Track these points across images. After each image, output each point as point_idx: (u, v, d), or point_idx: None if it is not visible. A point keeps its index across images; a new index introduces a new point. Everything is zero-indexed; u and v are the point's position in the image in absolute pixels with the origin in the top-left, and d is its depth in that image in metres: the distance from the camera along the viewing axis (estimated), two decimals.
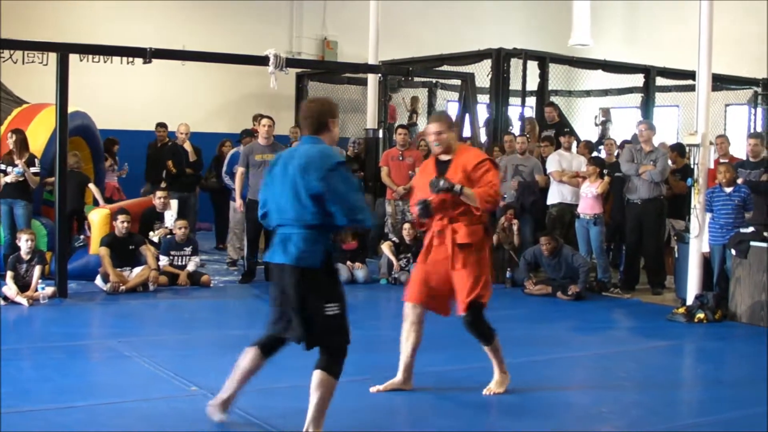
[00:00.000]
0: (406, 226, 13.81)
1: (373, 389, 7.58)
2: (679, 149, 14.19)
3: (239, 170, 13.18)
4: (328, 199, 5.95)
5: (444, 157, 7.48)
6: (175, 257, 12.80)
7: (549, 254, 12.88)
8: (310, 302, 6.14)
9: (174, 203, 13.98)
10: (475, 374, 7.98)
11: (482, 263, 7.47)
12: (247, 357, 6.62)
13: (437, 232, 7.45)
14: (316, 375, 6.19)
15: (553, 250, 12.86)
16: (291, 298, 6.16)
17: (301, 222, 6.04)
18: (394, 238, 13.94)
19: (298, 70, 18.95)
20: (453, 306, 7.57)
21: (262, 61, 13.71)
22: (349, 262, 13.46)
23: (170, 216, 13.55)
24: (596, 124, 18.22)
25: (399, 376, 7.68)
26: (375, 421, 6.96)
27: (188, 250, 12.88)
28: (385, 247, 13.68)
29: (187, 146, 15.41)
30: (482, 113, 16.56)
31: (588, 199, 13.28)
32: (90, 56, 16.58)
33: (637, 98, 18.60)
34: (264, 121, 13.26)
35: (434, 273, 7.51)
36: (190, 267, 12.78)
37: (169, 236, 13.08)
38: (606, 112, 18.33)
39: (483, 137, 16.14)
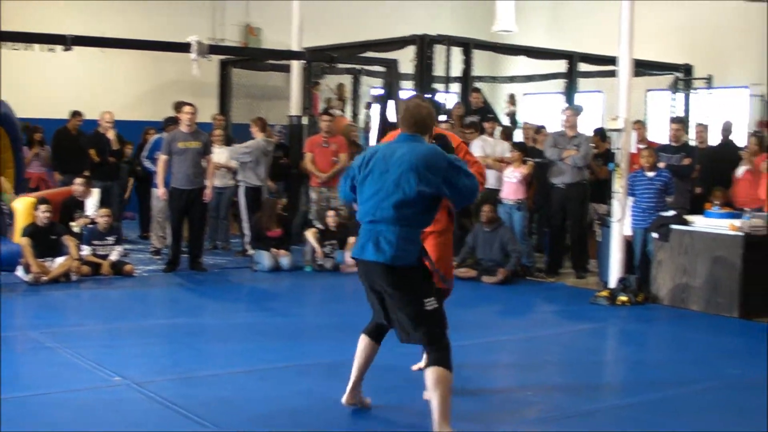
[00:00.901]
0: (331, 213, 13.77)
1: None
2: (600, 134, 14.31)
3: (162, 158, 13.03)
4: (450, 194, 6.01)
5: None
6: (98, 247, 12.62)
7: (487, 223, 12.94)
8: (409, 299, 6.06)
9: (96, 192, 13.81)
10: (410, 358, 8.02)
11: (447, 246, 7.50)
12: (361, 346, 6.65)
13: None
14: (433, 372, 6.01)
15: (492, 221, 12.93)
16: (390, 297, 6.12)
17: (400, 221, 6.01)
18: (319, 225, 13.91)
19: (222, 57, 18.75)
20: None
21: (185, 47, 13.59)
22: (273, 249, 13.39)
23: (92, 205, 13.38)
24: (506, 114, 18.38)
25: None
26: (302, 408, 6.93)
27: (111, 239, 12.70)
28: (310, 234, 13.63)
29: (111, 135, 15.22)
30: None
31: (511, 184, 13.36)
32: (9, 43, 16.29)
33: (560, 84, 18.72)
34: (186, 108, 13.12)
35: None
36: (113, 256, 12.61)
37: (91, 225, 12.90)
38: (512, 100, 18.54)
39: None
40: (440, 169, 5.95)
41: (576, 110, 13.72)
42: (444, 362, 6.01)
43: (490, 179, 13.76)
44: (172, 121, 15.00)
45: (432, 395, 6.01)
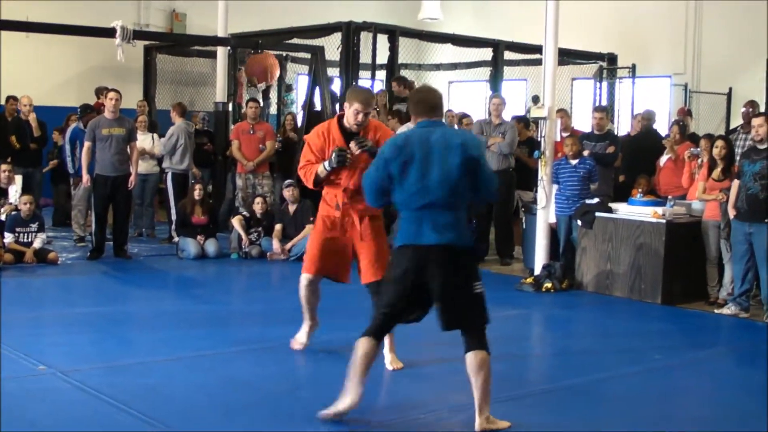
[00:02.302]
0: (258, 200, 13.73)
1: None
2: (524, 121, 14.41)
3: (86, 145, 12.88)
4: (481, 177, 6.08)
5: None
6: (21, 234, 12.45)
7: None
8: (465, 282, 6.13)
9: (18, 179, 13.62)
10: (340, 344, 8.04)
11: (383, 233, 7.74)
12: (365, 350, 6.25)
13: (339, 204, 7.45)
14: (477, 356, 6.11)
15: None
16: (445, 281, 6.08)
17: (454, 204, 6.06)
18: (245, 213, 13.85)
19: (146, 42, 18.59)
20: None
21: (109, 33, 13.45)
22: (199, 237, 13.32)
23: (14, 192, 13.20)
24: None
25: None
26: (228, 395, 6.91)
27: (34, 226, 12.54)
28: (236, 222, 13.57)
29: (32, 120, 15.03)
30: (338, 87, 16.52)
31: None
32: None
33: (486, 72, 18.80)
34: (110, 94, 12.97)
35: (335, 244, 7.60)
36: (37, 244, 12.45)
37: (14, 212, 12.72)
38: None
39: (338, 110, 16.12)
40: (477, 147, 6.22)
41: (502, 99, 13.79)
42: (486, 346, 6.16)
43: None
44: (90, 109, 14.87)
45: (476, 378, 6.12)
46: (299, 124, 16.15)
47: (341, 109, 7.56)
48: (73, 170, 14.11)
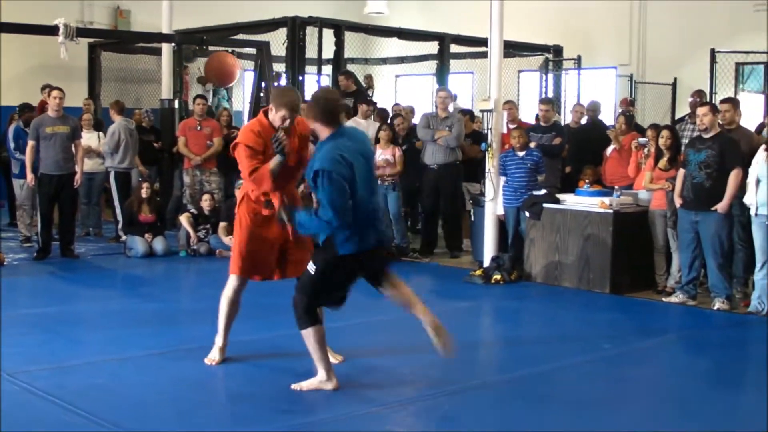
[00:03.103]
0: (206, 196, 13.66)
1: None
2: (469, 114, 14.43)
3: (30, 144, 12.75)
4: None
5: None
6: None
7: None
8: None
9: None
10: (285, 341, 8.01)
11: None
12: (321, 333, 6.82)
13: (268, 202, 7.31)
14: None
15: None
16: (377, 271, 6.97)
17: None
18: (193, 210, 13.77)
19: (90, 39, 18.43)
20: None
21: (52, 30, 13.31)
22: (147, 235, 13.23)
23: None
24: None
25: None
26: (178, 394, 6.87)
27: None
28: (184, 219, 13.49)
29: None
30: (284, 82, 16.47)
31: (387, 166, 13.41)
32: None
33: (432, 65, 18.83)
34: (54, 93, 12.85)
35: (266, 243, 7.44)
36: None
37: None
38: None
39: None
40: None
41: (448, 93, 13.83)
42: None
43: None
44: (28, 108, 14.70)
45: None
46: (245, 119, 16.06)
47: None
48: (17, 170, 13.97)
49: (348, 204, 6.39)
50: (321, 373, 6.87)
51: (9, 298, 10.56)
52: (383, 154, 13.40)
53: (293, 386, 6.89)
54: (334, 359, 7.39)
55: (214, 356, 7.59)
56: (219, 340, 7.61)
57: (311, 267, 6.71)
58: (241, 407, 6.65)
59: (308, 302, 6.71)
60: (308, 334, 6.76)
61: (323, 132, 6.56)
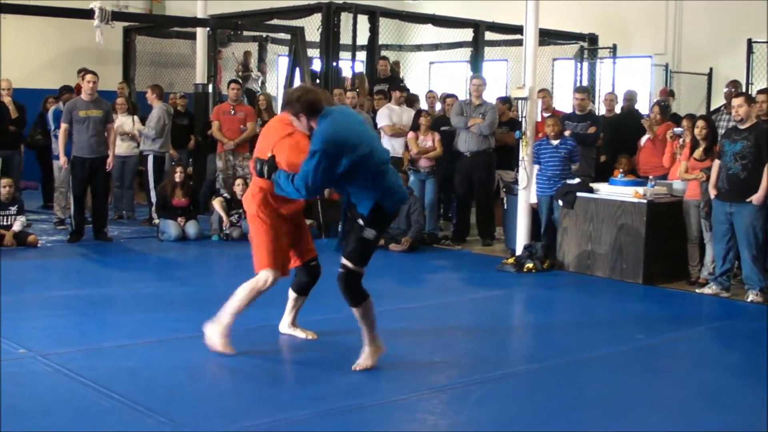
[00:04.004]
0: (238, 181, 13.68)
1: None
2: (507, 102, 14.38)
3: (63, 126, 12.79)
4: None
5: None
6: (1, 217, 12.38)
7: None
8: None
9: None
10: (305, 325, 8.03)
11: None
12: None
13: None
14: None
15: None
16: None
17: None
18: (226, 194, 13.80)
19: (125, 23, 18.49)
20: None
21: (88, 14, 13.35)
22: (180, 219, 13.27)
23: None
24: None
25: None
26: (210, 377, 6.90)
27: (13, 209, 12.46)
28: (217, 203, 13.52)
29: (8, 103, 14.90)
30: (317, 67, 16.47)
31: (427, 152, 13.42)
32: None
33: (466, 52, 18.78)
34: (88, 77, 12.88)
35: (287, 237, 7.55)
36: (16, 227, 12.37)
37: None
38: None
39: None
40: None
41: (483, 80, 13.78)
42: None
43: (398, 148, 13.79)
44: (68, 90, 14.78)
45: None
46: (278, 106, 16.07)
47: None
48: (57, 153, 14.05)
49: (322, 184, 6.64)
50: (374, 344, 7.06)
51: (42, 280, 10.66)
52: (424, 140, 13.40)
53: (356, 366, 7.01)
54: (305, 335, 7.77)
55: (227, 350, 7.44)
56: (226, 329, 7.49)
57: (360, 240, 6.76)
58: (272, 391, 6.66)
59: (360, 275, 6.85)
60: (367, 306, 6.91)
61: (313, 121, 6.66)
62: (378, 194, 6.66)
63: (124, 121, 14.66)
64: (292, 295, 7.90)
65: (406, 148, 13.72)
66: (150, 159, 14.44)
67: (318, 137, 6.50)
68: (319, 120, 6.60)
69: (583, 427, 6.09)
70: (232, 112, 14.68)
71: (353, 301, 6.90)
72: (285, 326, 7.99)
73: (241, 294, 7.49)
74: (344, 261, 6.85)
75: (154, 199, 14.10)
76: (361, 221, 6.73)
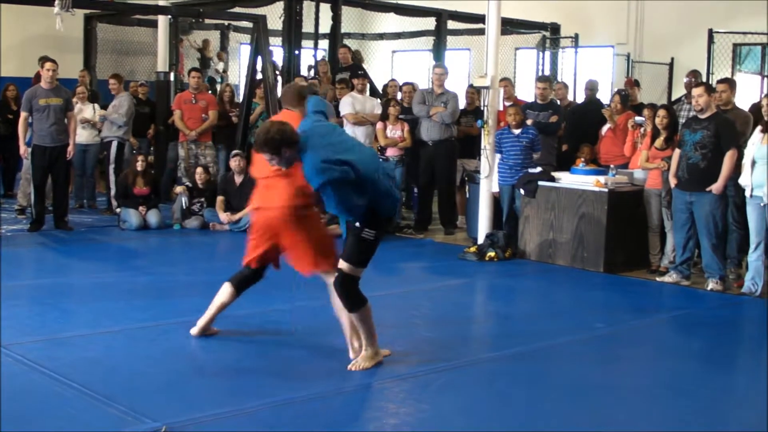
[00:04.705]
0: (200, 170, 13.63)
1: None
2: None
3: (22, 115, 12.70)
4: None
5: None
6: None
7: None
8: None
9: None
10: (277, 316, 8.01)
11: None
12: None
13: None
14: None
15: None
16: None
17: None
18: (187, 183, 13.76)
19: (86, 11, 18.34)
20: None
21: (48, 1, 13.23)
22: (141, 208, 13.20)
23: None
24: None
25: None
26: (172, 366, 6.88)
27: None
28: (180, 189, 13.48)
29: None
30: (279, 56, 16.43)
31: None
32: None
33: (429, 41, 18.78)
34: (47, 65, 12.76)
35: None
36: None
37: None
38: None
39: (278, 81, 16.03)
40: None
41: (445, 69, 13.79)
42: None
43: (360, 136, 13.77)
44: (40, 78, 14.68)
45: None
46: (241, 94, 16.04)
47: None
48: None
49: (353, 197, 6.50)
50: (374, 348, 6.99)
51: (2, 269, 10.55)
52: (393, 129, 13.40)
53: (351, 367, 6.91)
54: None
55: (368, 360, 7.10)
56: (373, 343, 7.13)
57: (358, 240, 6.73)
58: (235, 381, 6.64)
59: (357, 279, 6.81)
60: (365, 312, 6.86)
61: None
62: (370, 199, 6.59)
63: (84, 109, 14.57)
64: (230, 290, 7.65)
65: (375, 138, 13.70)
66: (113, 145, 14.38)
67: (311, 172, 6.42)
68: (301, 155, 6.51)
69: (545, 414, 6.13)
70: (194, 100, 14.60)
71: (351, 306, 6.84)
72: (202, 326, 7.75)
73: (358, 321, 7.03)
74: (342, 264, 6.77)
75: (113, 185, 14.04)
76: (358, 223, 6.69)
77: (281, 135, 6.43)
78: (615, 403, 6.44)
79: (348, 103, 13.93)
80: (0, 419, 5.58)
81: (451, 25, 18.27)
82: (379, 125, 13.55)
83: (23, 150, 12.79)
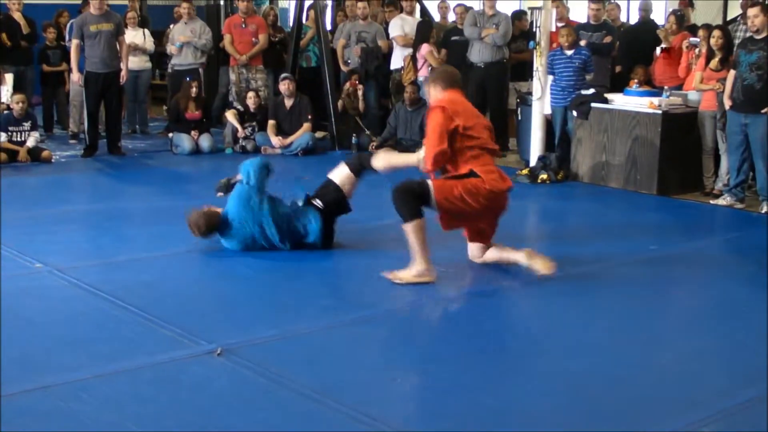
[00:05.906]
0: (251, 94, 13.63)
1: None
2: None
3: (74, 42, 12.74)
4: None
5: None
6: (14, 133, 12.36)
7: (410, 104, 12.92)
8: None
9: (9, 77, 13.54)
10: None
11: None
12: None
13: None
14: None
15: (415, 101, 12.90)
16: None
17: None
18: (239, 106, 13.77)
19: None
20: None
21: None
22: (193, 132, 13.24)
23: (5, 91, 13.12)
24: None
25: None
26: (225, 289, 6.95)
27: (27, 125, 12.45)
28: (230, 115, 13.51)
29: (19, 18, 14.79)
30: None
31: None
32: None
33: None
34: None
35: None
36: (30, 142, 12.38)
37: (6, 111, 12.64)
38: None
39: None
40: None
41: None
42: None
43: (398, 60, 13.72)
44: (87, 3, 14.66)
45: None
46: (290, 17, 15.96)
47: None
48: None
49: None
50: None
51: (57, 195, 10.70)
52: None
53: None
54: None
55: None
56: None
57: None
58: (285, 299, 6.73)
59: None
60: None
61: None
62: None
63: (134, 35, 14.57)
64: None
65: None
66: (201, 73, 14.59)
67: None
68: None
69: (598, 335, 6.13)
70: (243, 25, 14.55)
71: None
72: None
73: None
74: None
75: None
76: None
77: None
78: (668, 325, 6.44)
79: (398, 25, 13.86)
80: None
81: None
82: (426, 48, 13.41)
83: (76, 77, 12.84)
